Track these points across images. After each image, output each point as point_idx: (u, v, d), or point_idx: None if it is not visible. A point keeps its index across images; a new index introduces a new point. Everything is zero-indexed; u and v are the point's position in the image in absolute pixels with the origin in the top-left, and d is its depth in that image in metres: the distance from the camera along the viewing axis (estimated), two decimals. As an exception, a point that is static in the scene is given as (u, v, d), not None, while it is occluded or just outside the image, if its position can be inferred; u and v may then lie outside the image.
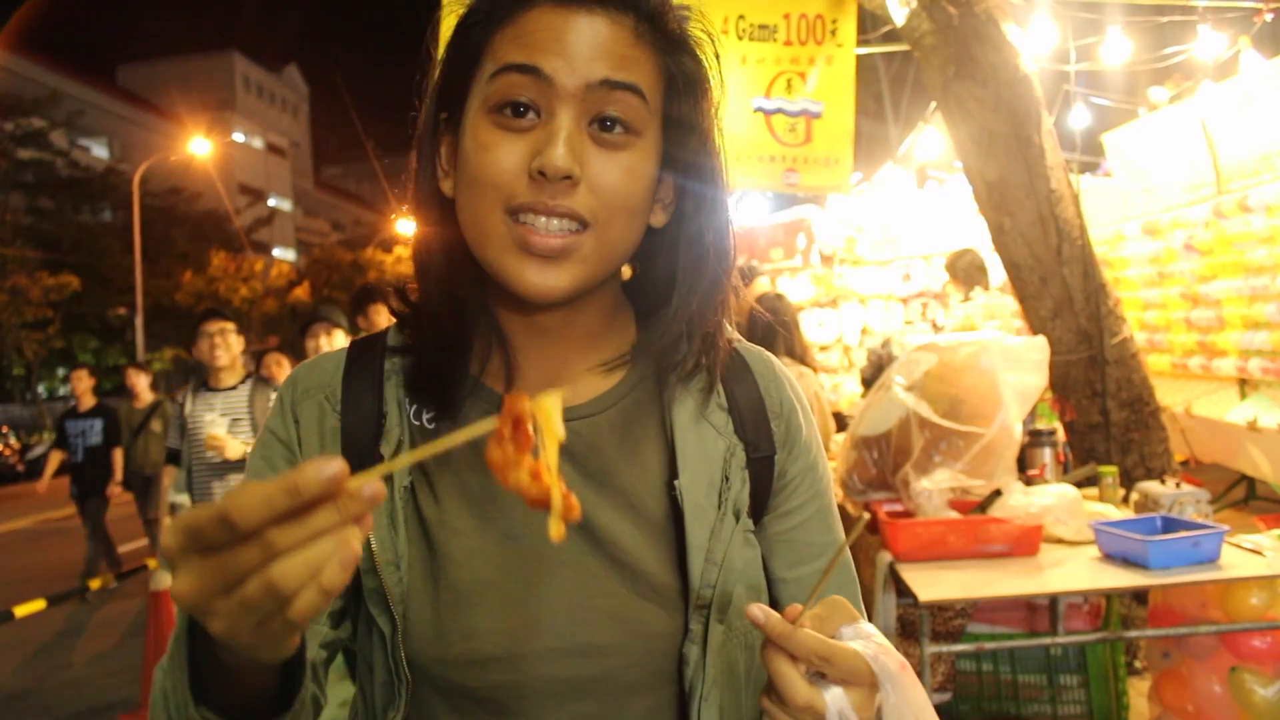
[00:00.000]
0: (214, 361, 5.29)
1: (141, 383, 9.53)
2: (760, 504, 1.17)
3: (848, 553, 1.15)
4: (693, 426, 1.13)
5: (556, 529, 0.78)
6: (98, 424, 9.30)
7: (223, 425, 5.10)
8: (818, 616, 0.93)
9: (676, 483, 1.10)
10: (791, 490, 1.19)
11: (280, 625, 0.68)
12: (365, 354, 1.17)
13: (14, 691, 6.50)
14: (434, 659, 1.05)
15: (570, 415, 1.11)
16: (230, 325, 5.42)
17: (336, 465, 0.64)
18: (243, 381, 5.38)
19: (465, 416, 1.12)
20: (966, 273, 7.00)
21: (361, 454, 1.09)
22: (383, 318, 5.52)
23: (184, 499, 5.25)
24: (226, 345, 5.32)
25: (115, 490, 9.27)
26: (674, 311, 1.12)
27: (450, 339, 1.11)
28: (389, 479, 1.08)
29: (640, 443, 1.14)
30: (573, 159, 0.98)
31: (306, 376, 1.17)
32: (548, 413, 0.79)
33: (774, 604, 1.18)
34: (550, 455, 0.78)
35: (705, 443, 1.13)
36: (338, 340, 5.37)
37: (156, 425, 9.23)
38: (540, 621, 1.05)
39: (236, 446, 5.01)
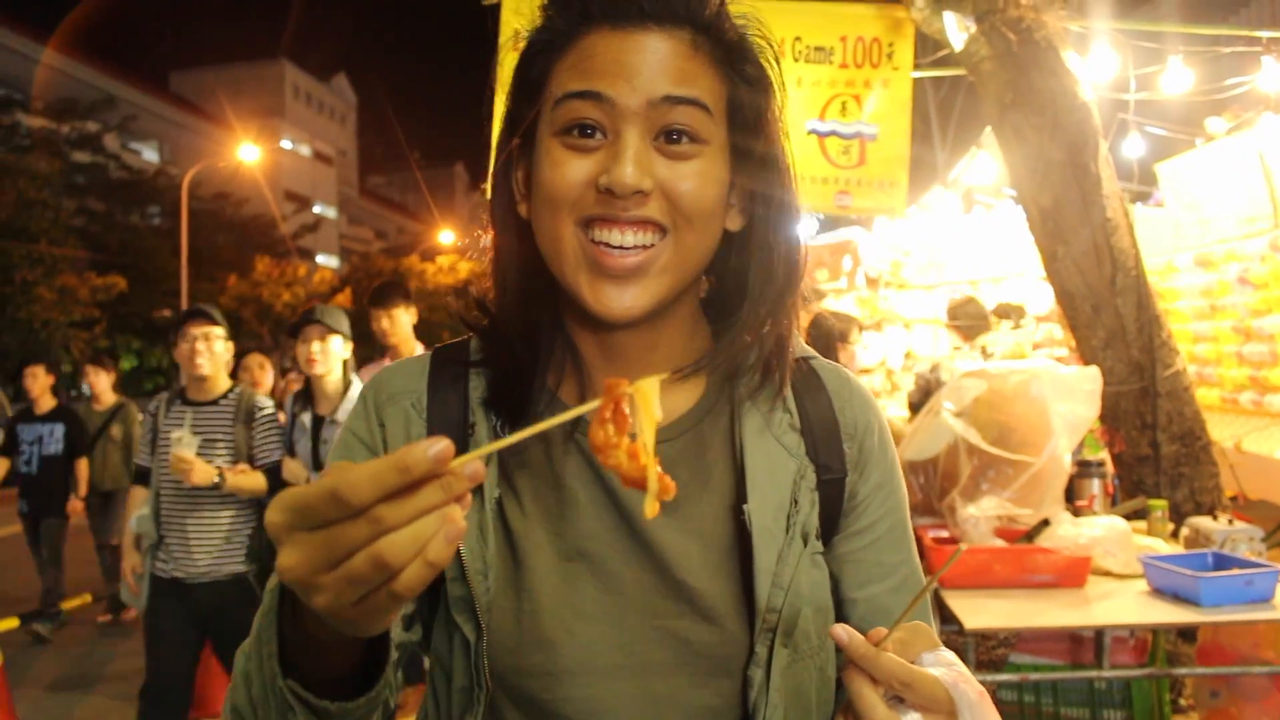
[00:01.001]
0: (194, 370, 4.49)
1: (102, 382, 8.21)
2: (830, 525, 1.17)
3: (924, 580, 1.14)
4: (761, 446, 1.13)
5: (651, 508, 0.80)
6: (58, 429, 7.86)
7: (192, 445, 4.28)
8: (900, 641, 0.93)
9: (746, 507, 1.09)
10: (861, 510, 1.19)
11: (385, 598, 0.69)
12: (449, 363, 1.18)
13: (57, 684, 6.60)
14: (511, 668, 1.06)
15: None
16: (219, 330, 4.56)
17: (443, 444, 0.66)
18: (225, 396, 4.59)
19: (544, 433, 1.13)
20: (970, 320, 7.00)
21: None
22: (401, 320, 5.23)
23: (148, 529, 4.44)
24: (210, 353, 4.51)
25: (78, 507, 7.96)
26: (743, 316, 1.12)
27: (526, 360, 1.12)
28: (479, 491, 1.09)
29: (711, 467, 1.14)
30: (641, 173, 1.00)
31: (390, 381, 1.18)
32: (646, 396, 0.81)
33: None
34: (647, 437, 0.80)
35: (775, 465, 1.13)
36: (333, 346, 4.90)
37: (116, 431, 8.18)
38: (608, 639, 1.06)
39: (204, 472, 4.23)
